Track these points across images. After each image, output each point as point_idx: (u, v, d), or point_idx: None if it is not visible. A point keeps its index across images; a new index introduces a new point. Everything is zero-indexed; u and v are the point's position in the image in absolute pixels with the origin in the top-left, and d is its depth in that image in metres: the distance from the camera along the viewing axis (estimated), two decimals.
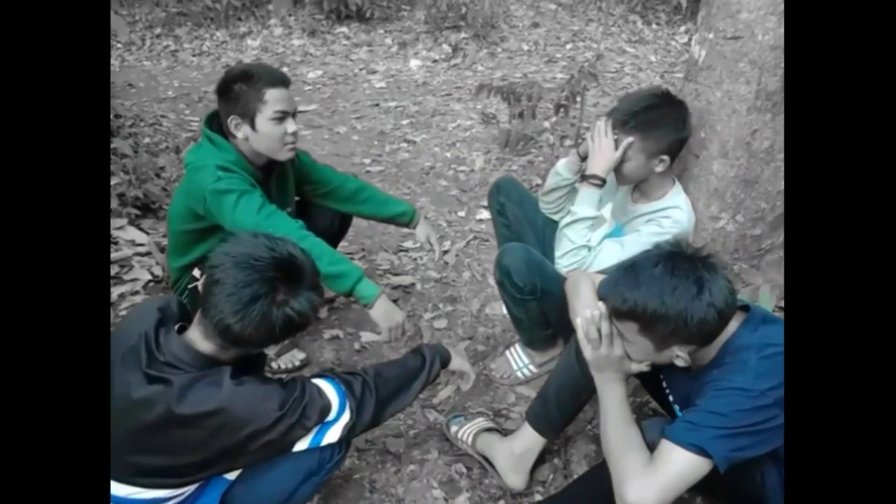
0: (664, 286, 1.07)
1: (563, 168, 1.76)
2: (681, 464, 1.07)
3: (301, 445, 1.16)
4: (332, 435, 1.19)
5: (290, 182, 1.83)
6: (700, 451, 1.06)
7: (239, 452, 1.10)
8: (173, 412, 1.03)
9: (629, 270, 1.13)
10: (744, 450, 1.07)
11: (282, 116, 1.58)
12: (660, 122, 1.55)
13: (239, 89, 1.56)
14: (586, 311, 1.21)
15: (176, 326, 1.14)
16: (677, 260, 1.09)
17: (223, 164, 1.57)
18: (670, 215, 1.59)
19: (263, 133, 1.59)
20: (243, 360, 1.17)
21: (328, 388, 1.18)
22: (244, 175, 1.59)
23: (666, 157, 1.57)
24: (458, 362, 1.48)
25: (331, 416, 1.17)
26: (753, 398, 1.06)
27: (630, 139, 1.55)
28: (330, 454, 1.22)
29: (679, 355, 1.14)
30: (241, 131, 1.60)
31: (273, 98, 1.56)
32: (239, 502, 1.21)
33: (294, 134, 1.62)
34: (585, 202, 1.62)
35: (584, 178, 1.63)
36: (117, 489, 1.08)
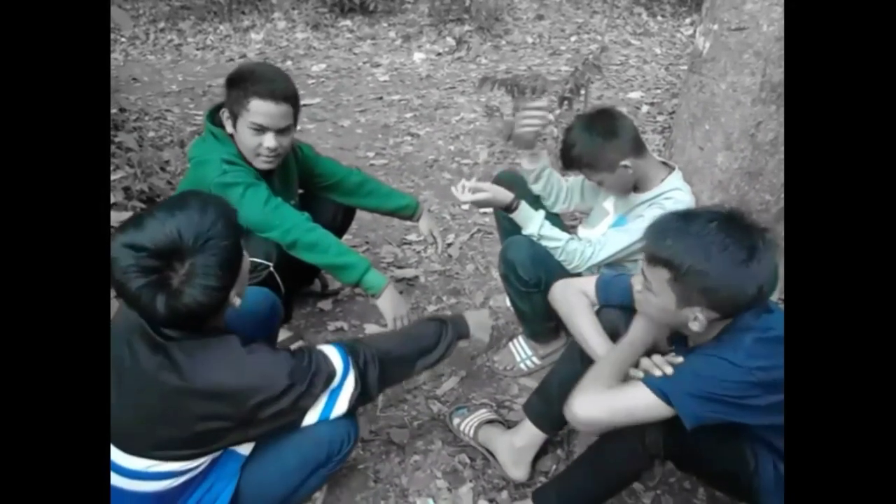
0: (714, 242, 1.04)
1: (525, 161, 1.83)
2: (638, 398, 1.08)
3: (311, 417, 1.17)
4: (340, 406, 1.19)
5: (293, 175, 1.84)
6: (664, 397, 1.07)
7: (250, 423, 1.10)
8: (183, 382, 1.04)
9: (682, 218, 1.10)
10: (710, 411, 1.07)
11: (258, 129, 1.55)
12: (592, 151, 1.58)
13: (236, 86, 1.55)
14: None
15: None
16: (735, 222, 1.07)
17: (228, 157, 1.57)
18: (672, 196, 1.60)
19: (240, 137, 1.59)
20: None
21: (333, 355, 1.19)
22: (249, 168, 1.60)
23: (625, 162, 1.57)
24: (478, 333, 1.52)
25: (335, 383, 1.18)
26: (738, 372, 1.05)
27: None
28: (339, 446, 1.23)
29: (698, 317, 1.10)
30: (227, 126, 1.61)
31: (255, 109, 1.53)
32: (250, 494, 1.22)
33: (271, 149, 1.58)
34: (526, 222, 1.65)
35: (505, 209, 1.66)
36: (134, 463, 1.10)
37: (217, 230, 1.02)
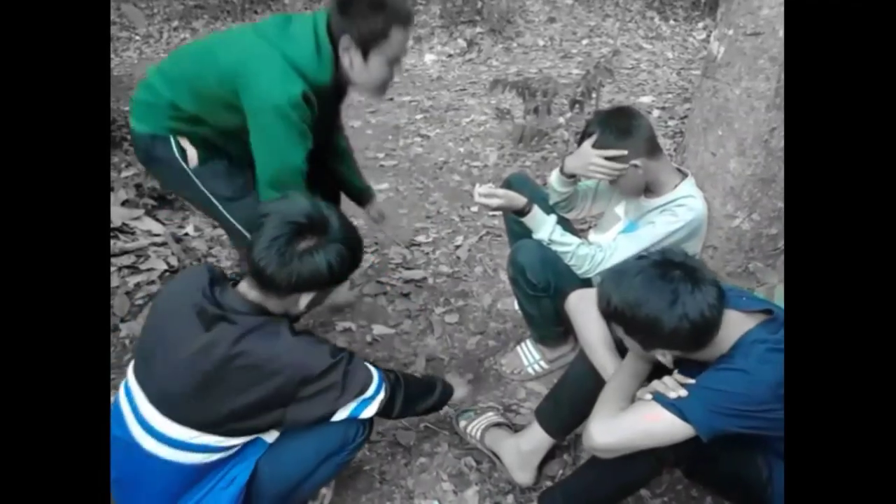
0: (641, 294, 1.08)
1: (557, 184, 1.79)
2: (655, 418, 1.09)
3: (341, 415, 1.22)
4: (368, 413, 1.24)
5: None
6: (677, 412, 1.07)
7: (290, 399, 1.16)
8: (232, 353, 1.11)
9: (615, 276, 1.14)
10: (728, 424, 1.07)
11: (395, 62, 1.41)
12: (604, 147, 1.58)
13: (375, 14, 1.35)
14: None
15: (230, 283, 1.23)
16: (661, 269, 1.10)
17: (309, 92, 1.37)
18: (684, 203, 1.59)
19: (370, 70, 1.41)
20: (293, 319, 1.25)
21: (371, 368, 1.26)
22: (313, 113, 1.43)
23: (636, 161, 1.57)
24: (460, 393, 1.58)
25: (369, 393, 1.23)
26: (748, 382, 1.06)
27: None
28: (353, 435, 1.28)
29: (665, 354, 1.15)
30: (347, 55, 1.40)
31: (396, 39, 1.37)
32: (266, 475, 1.26)
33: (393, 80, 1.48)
34: (538, 227, 1.64)
35: (517, 213, 1.65)
36: (178, 432, 1.15)
37: (352, 240, 1.19)
